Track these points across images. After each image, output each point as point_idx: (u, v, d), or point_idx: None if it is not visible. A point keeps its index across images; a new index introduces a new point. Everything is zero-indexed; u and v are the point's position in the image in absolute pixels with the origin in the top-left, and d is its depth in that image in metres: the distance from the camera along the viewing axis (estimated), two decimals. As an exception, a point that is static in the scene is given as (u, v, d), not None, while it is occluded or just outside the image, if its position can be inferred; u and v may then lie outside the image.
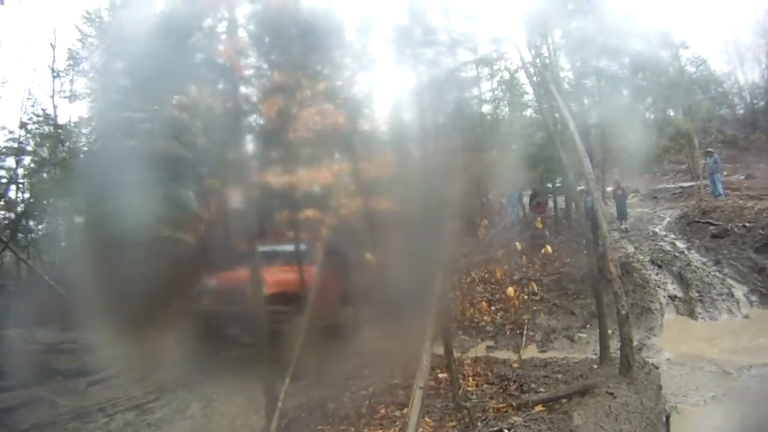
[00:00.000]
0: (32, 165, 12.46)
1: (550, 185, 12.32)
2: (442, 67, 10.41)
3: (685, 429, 5.64)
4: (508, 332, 8.75)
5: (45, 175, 11.56)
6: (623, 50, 11.84)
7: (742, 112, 18.83)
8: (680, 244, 11.50)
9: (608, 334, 7.39)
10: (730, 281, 9.77)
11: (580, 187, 8.53)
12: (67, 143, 10.24)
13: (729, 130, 17.50)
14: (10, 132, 12.33)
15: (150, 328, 8.17)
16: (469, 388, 6.58)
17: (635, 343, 7.06)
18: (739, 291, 9.47)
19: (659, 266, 10.63)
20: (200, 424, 6.77)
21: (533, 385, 6.64)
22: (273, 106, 7.31)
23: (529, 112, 12.09)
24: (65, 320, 10.08)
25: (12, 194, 12.64)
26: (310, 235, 7.91)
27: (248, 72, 7.97)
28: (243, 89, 7.75)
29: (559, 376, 7.04)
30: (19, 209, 12.59)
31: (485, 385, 6.76)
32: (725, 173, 14.79)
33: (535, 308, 8.90)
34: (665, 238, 11.89)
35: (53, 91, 10.77)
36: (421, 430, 4.67)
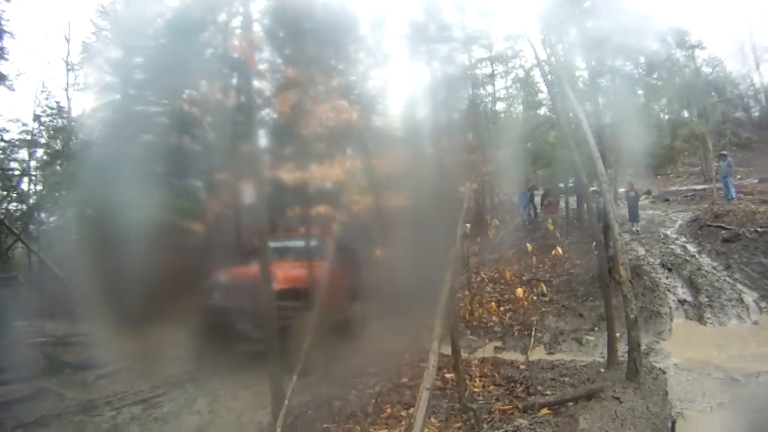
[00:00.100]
0: (45, 157, 12.61)
1: (562, 185, 12.22)
2: (456, 64, 10.36)
3: (690, 436, 5.57)
4: (516, 333, 8.72)
5: (58, 167, 11.67)
6: (638, 50, 11.72)
7: (757, 114, 18.59)
8: (691, 248, 11.39)
9: (616, 337, 7.35)
10: (740, 286, 9.68)
11: (593, 188, 8.46)
12: (80, 135, 10.30)
13: (743, 132, 17.27)
14: (24, 124, 12.47)
15: (159, 321, 8.21)
16: (476, 389, 6.56)
17: (643, 347, 7.01)
18: (749, 297, 9.37)
19: (669, 270, 10.54)
20: (207, 419, 6.76)
21: (540, 388, 6.61)
22: (286, 101, 7.30)
23: (543, 110, 12.00)
24: (74, 313, 10.16)
25: (24, 186, 12.82)
26: (321, 231, 7.92)
27: (262, 66, 7.97)
28: (256, 84, 7.74)
29: (566, 378, 6.99)
30: (31, 201, 12.74)
31: (492, 387, 6.73)
32: (738, 176, 14.64)
33: (543, 309, 8.87)
34: (676, 242, 11.78)
35: (67, 83, 10.88)
36: (426, 430, 4.64)
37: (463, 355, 6.31)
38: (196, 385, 7.56)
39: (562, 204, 13.02)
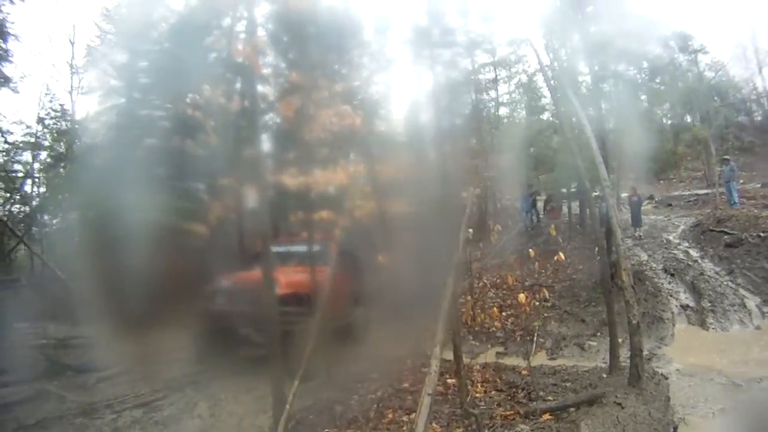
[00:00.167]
0: (49, 160, 12.65)
1: (564, 190, 12.20)
2: (459, 69, 10.37)
3: (692, 442, 5.55)
4: (518, 338, 8.69)
5: (61, 170, 11.70)
6: (641, 54, 11.71)
7: (759, 118, 18.53)
8: (694, 253, 11.35)
9: (618, 343, 7.33)
10: (742, 291, 9.63)
11: (595, 193, 8.45)
12: (84, 138, 10.35)
13: (746, 137, 17.22)
14: (28, 127, 12.52)
15: (160, 324, 8.21)
16: (478, 395, 6.53)
17: (645, 352, 7.00)
18: (752, 302, 9.32)
19: (672, 275, 10.51)
20: (208, 423, 6.74)
21: (542, 393, 6.60)
22: (290, 105, 7.31)
23: (546, 115, 12.01)
24: (76, 315, 10.18)
25: (27, 188, 12.87)
26: (324, 235, 7.93)
27: (266, 71, 8.00)
28: (260, 88, 7.77)
29: (568, 384, 6.97)
30: (34, 203, 12.78)
31: (493, 392, 6.71)
32: (741, 181, 14.58)
33: (546, 315, 8.85)
34: (679, 247, 11.74)
35: (71, 86, 10.94)
36: (428, 436, 4.62)
37: (465, 360, 6.31)
38: (197, 389, 7.55)
39: (565, 209, 12.99)
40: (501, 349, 8.71)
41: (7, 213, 12.46)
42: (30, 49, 13.46)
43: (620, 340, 7.36)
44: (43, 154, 12.92)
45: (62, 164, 11.87)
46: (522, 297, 6.75)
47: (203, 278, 8.06)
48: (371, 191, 7.50)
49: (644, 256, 11.31)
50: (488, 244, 8.35)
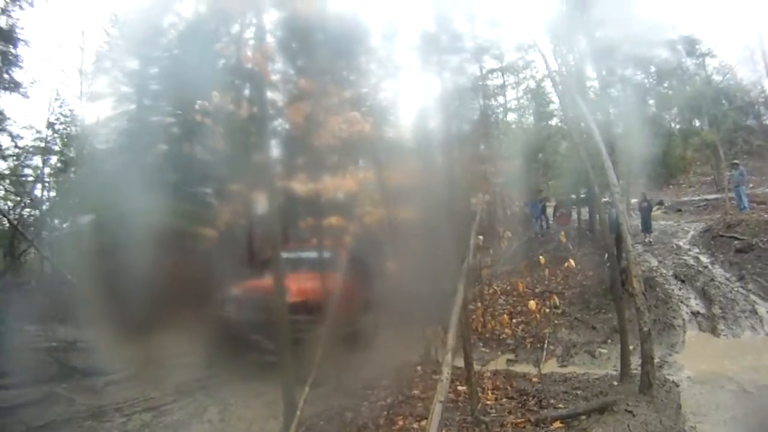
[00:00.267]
0: (58, 164, 12.75)
1: (574, 196, 12.15)
2: (467, 75, 10.37)
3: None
4: (528, 345, 8.67)
5: (71, 174, 11.79)
6: (649, 59, 11.66)
7: (768, 122, 18.37)
8: (704, 259, 11.26)
9: (629, 350, 7.29)
10: (753, 297, 9.52)
11: (604, 199, 8.42)
12: (94, 143, 10.43)
13: (755, 140, 17.08)
14: (38, 131, 12.63)
15: (170, 329, 8.23)
16: (488, 402, 6.52)
17: (656, 359, 6.96)
18: (763, 308, 9.20)
19: (682, 281, 10.42)
20: (217, 428, 6.77)
21: (552, 401, 6.58)
22: (299, 111, 7.34)
23: (554, 121, 11.96)
24: (85, 318, 10.21)
25: (38, 192, 12.97)
26: (333, 242, 7.93)
27: (274, 77, 8.02)
28: (269, 94, 7.80)
29: (579, 392, 6.95)
30: (44, 207, 12.88)
31: (504, 399, 6.70)
32: (751, 185, 14.45)
33: (556, 322, 8.79)
34: (689, 252, 11.65)
35: (81, 92, 11.03)
36: (439, 443, 4.59)
37: (476, 367, 6.29)
38: (206, 394, 7.56)
39: (574, 215, 12.95)
40: (511, 356, 8.68)
41: (17, 217, 12.56)
42: (40, 55, 13.58)
43: (631, 347, 7.31)
44: (53, 159, 13.05)
45: (72, 169, 11.97)
46: (532, 304, 6.73)
47: (212, 284, 8.09)
48: (380, 198, 7.49)
49: (654, 262, 11.23)
50: (498, 250, 8.32)
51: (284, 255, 7.04)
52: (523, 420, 5.98)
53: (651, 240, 12.33)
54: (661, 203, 14.43)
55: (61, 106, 12.72)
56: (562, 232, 8.66)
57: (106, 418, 7.00)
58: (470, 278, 6.16)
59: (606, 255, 8.22)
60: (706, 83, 14.93)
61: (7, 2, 10.39)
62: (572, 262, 7.57)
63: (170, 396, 7.54)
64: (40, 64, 12.83)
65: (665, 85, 12.50)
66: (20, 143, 12.25)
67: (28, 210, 12.82)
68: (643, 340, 6.66)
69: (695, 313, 9.48)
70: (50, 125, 12.68)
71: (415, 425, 6.07)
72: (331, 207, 7.66)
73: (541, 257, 7.36)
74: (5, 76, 10.87)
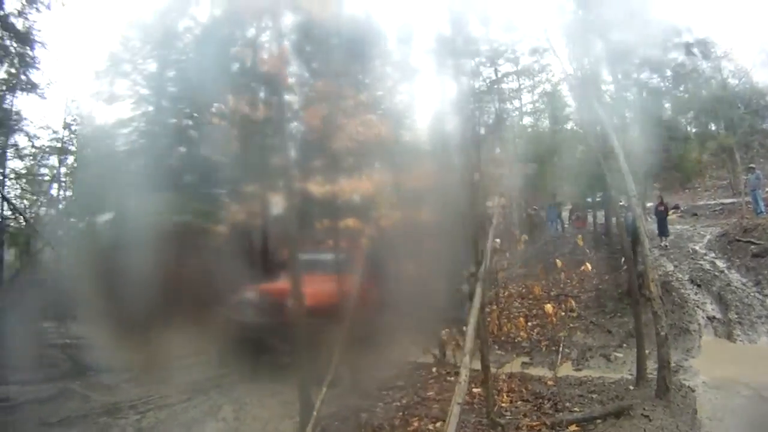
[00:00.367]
0: (75, 164, 12.87)
1: (589, 200, 12.08)
2: (483, 78, 10.35)
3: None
4: (543, 349, 8.63)
5: (86, 173, 11.89)
6: (664, 62, 11.57)
7: (784, 125, 18.11)
8: (720, 263, 11.13)
9: (645, 354, 7.23)
10: (770, 302, 9.42)
11: (621, 203, 8.37)
12: (109, 144, 10.54)
13: (772, 144, 16.86)
14: (54, 132, 12.77)
15: (184, 328, 8.27)
16: (504, 405, 6.50)
17: (672, 364, 6.89)
18: (779, 313, 9.11)
19: (698, 285, 10.31)
20: (232, 426, 6.79)
21: (568, 404, 6.58)
22: (316, 114, 7.37)
23: (570, 125, 11.91)
24: (98, 316, 10.29)
25: (54, 192, 13.11)
26: (349, 244, 7.96)
27: (291, 80, 8.06)
28: (286, 97, 7.84)
29: (594, 395, 6.93)
30: (60, 206, 13.00)
31: (519, 402, 6.68)
32: (767, 189, 14.29)
33: (571, 325, 8.75)
34: (705, 257, 11.52)
35: (96, 93, 11.13)
36: (455, 446, 4.58)
37: (491, 369, 6.27)
38: (221, 392, 7.59)
39: (590, 219, 12.85)
40: (526, 359, 8.64)
41: (33, 215, 12.70)
42: (56, 56, 13.74)
43: (647, 351, 7.28)
44: (70, 159, 13.18)
45: (87, 168, 12.07)
46: (549, 307, 6.74)
47: (226, 286, 8.12)
48: (396, 200, 7.50)
49: (670, 267, 11.10)
50: (514, 253, 8.29)
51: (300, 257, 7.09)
52: (538, 423, 5.98)
53: (667, 244, 12.21)
54: (676, 207, 14.29)
55: (78, 108, 12.89)
56: (579, 236, 8.58)
57: (121, 414, 7.05)
58: (487, 281, 6.13)
59: (623, 259, 8.18)
60: (722, 87, 14.78)
61: (23, 5, 10.55)
62: (589, 265, 7.53)
63: (185, 394, 7.56)
64: (56, 64, 12.99)
65: (681, 88, 12.39)
66: (37, 143, 12.40)
67: (44, 209, 12.97)
68: (660, 345, 6.63)
69: (711, 318, 9.39)
70: (66, 126, 12.83)
71: (431, 427, 6.07)
72: (347, 209, 7.67)
73: (557, 260, 7.31)
74: (22, 77, 11.03)
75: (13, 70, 10.94)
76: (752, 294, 9.76)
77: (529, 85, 12.43)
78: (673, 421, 5.93)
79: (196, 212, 8.87)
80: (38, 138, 12.32)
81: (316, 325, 6.86)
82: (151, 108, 9.34)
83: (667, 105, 12.03)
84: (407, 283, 7.73)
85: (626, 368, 7.98)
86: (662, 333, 6.66)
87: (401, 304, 7.24)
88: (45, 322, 10.29)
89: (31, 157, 12.75)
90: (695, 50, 13.37)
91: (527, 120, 12.87)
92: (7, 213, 11.75)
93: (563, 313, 6.96)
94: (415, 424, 6.18)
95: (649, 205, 12.87)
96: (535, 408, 6.49)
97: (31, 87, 11.12)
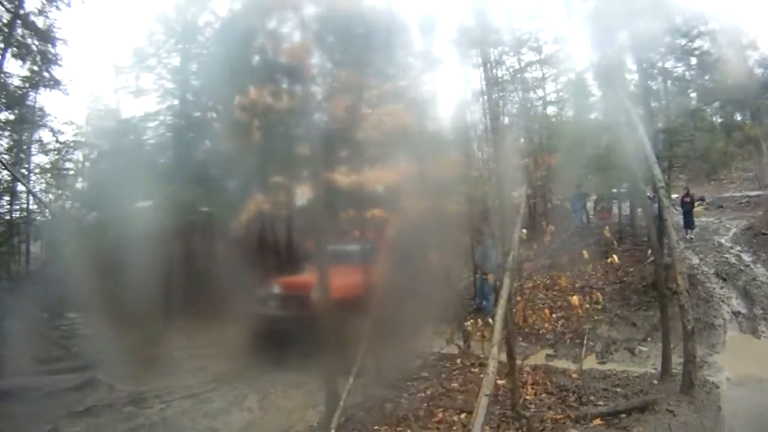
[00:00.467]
0: (94, 157, 13.05)
1: (615, 190, 11.91)
2: (506, 67, 10.24)
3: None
4: (568, 341, 8.56)
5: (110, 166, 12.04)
6: (690, 51, 11.29)
7: (810, 115, 17.61)
8: (746, 257, 10.90)
9: (671, 349, 7.13)
10: (796, 298, 9.21)
11: (648, 194, 8.24)
12: (132, 137, 10.69)
13: (799, 134, 16.42)
14: (78, 127, 12.96)
15: (212, 319, 8.37)
16: (528, 397, 6.47)
17: (697, 360, 6.76)
18: (806, 309, 8.92)
19: (724, 279, 10.12)
20: (257, 416, 6.85)
21: (592, 398, 6.52)
22: (340, 105, 7.37)
23: (595, 114, 11.71)
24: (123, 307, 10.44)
25: (79, 186, 13.33)
26: (374, 234, 7.97)
27: (313, 71, 8.06)
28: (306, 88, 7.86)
29: (619, 389, 6.88)
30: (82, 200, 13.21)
31: (544, 395, 6.65)
32: (793, 182, 13.95)
33: (596, 318, 8.66)
34: (731, 250, 11.29)
35: (118, 87, 11.27)
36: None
37: (517, 361, 6.24)
38: (246, 382, 7.64)
39: (615, 210, 12.70)
40: (550, 351, 8.57)
41: (59, 209, 12.93)
42: (78, 52, 13.93)
43: (671, 346, 7.16)
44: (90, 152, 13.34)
45: (109, 161, 12.22)
46: (575, 299, 6.66)
47: (251, 279, 8.20)
48: (422, 190, 7.47)
49: (696, 260, 10.92)
50: (540, 244, 8.20)
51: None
52: (563, 416, 5.96)
53: (692, 237, 12.00)
54: (702, 199, 14.02)
55: (97, 101, 13.04)
56: (606, 227, 8.45)
57: (146, 404, 7.15)
58: (514, 272, 6.10)
59: (649, 251, 8.05)
60: (748, 76, 14.40)
61: (43, 3, 10.72)
62: (615, 257, 7.43)
63: (209, 384, 7.65)
64: (78, 60, 13.16)
65: (707, 77, 12.09)
66: (61, 138, 12.60)
67: (69, 202, 13.20)
68: (687, 339, 6.54)
69: (736, 313, 9.23)
70: (89, 120, 13.00)
71: (455, 418, 6.07)
72: (372, 200, 7.67)
73: (584, 251, 7.22)
74: (45, 74, 11.22)
75: (35, 68, 11.16)
76: (779, 289, 9.57)
77: (553, 74, 12.28)
78: (697, 417, 5.86)
79: (218, 205, 8.97)
80: (62, 133, 12.54)
81: (340, 317, 6.91)
82: (176, 102, 9.48)
83: (692, 94, 11.78)
84: (431, 274, 7.75)
85: (650, 362, 7.91)
86: (689, 327, 6.56)
87: (425, 295, 7.26)
88: (68, 313, 10.48)
89: (56, 152, 12.98)
90: (721, 39, 13.05)
91: (551, 110, 12.74)
92: (33, 207, 12.02)
93: (588, 306, 6.89)
94: (440, 415, 6.19)
95: (674, 196, 12.64)
96: (560, 401, 6.45)
97: (54, 83, 11.32)
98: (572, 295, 6.86)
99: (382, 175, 7.35)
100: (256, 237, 9.01)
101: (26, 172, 11.85)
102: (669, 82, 11.26)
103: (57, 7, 10.88)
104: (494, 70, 10.26)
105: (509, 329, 5.58)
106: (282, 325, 7.74)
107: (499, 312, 5.13)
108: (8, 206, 11.53)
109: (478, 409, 4.55)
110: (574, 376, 7.13)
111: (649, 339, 8.53)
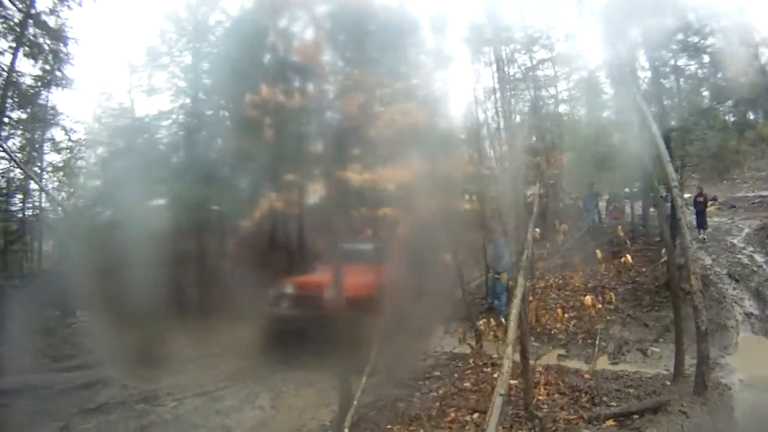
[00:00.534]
0: (108, 155, 13.12)
1: (627, 190, 11.85)
2: (518, 65, 10.21)
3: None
4: (580, 341, 8.51)
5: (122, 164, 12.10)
6: (701, 48, 11.19)
7: (827, 114, 17.39)
8: (759, 258, 10.78)
9: (684, 350, 7.08)
10: (809, 300, 9.10)
11: (661, 194, 8.19)
12: (146, 135, 10.76)
13: (812, 134, 16.22)
14: (90, 125, 13.02)
15: (224, 318, 8.41)
16: (541, 397, 6.45)
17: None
18: (819, 311, 8.81)
19: (736, 280, 10.01)
20: (269, 414, 6.89)
21: (605, 398, 6.49)
22: (352, 103, 7.38)
23: (607, 113, 11.64)
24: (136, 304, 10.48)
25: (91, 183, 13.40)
26: (386, 233, 7.98)
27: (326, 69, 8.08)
28: (322, 86, 7.89)
29: (631, 390, 6.83)
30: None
31: (556, 395, 6.63)
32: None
33: (608, 318, 8.62)
34: (743, 251, 11.18)
35: (130, 86, 11.34)
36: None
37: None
38: (258, 381, 7.65)
39: (627, 209, 12.61)
40: (562, 351, 8.53)
41: (71, 206, 13.01)
42: (90, 50, 13.97)
43: (684, 346, 7.11)
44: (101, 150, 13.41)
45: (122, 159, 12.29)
46: (588, 299, 6.63)
47: (266, 276, 8.22)
48: (433, 189, 7.46)
49: (708, 260, 10.81)
50: (553, 244, 8.16)
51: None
52: (575, 417, 5.95)
53: (705, 237, 11.90)
54: (714, 199, 13.88)
55: (108, 100, 13.11)
56: (620, 226, 8.40)
57: (158, 402, 7.17)
58: (528, 271, 6.09)
59: (663, 250, 7.99)
60: (761, 74, 14.23)
61: (55, 3, 10.80)
62: (629, 257, 7.39)
63: (222, 382, 7.67)
64: (90, 59, 13.22)
65: (719, 75, 11.97)
66: (73, 137, 12.67)
67: (81, 200, 13.28)
68: (700, 340, 6.49)
69: (749, 315, 9.14)
70: (99, 119, 13.07)
71: (468, 418, 6.07)
72: (384, 198, 7.68)
73: (597, 251, 7.19)
74: (57, 73, 11.30)
75: (47, 67, 11.24)
76: (791, 290, 9.46)
77: (564, 72, 12.20)
78: (710, 418, 5.84)
79: (229, 203, 9.00)
80: (75, 132, 12.62)
81: (353, 316, 6.92)
82: (188, 100, 9.53)
83: (705, 93, 11.66)
84: (442, 273, 7.75)
85: (662, 363, 7.83)
86: (702, 328, 6.50)
87: (437, 294, 7.26)
88: (80, 311, 10.54)
89: (68, 151, 13.06)
90: (734, 37, 12.90)
91: (563, 108, 12.68)
92: (46, 205, 12.12)
93: (600, 306, 6.86)
94: (452, 414, 6.18)
95: (687, 196, 12.52)
96: (572, 401, 6.43)
97: (66, 82, 11.41)
98: (585, 295, 6.81)
99: (394, 173, 7.35)
100: (268, 236, 9.04)
101: (39, 171, 11.94)
102: (681, 80, 11.16)
103: (68, 7, 10.95)
104: (506, 68, 10.22)
105: (523, 329, 5.56)
106: (295, 324, 7.77)
107: (514, 311, 5.11)
108: (21, 204, 11.64)
109: (492, 409, 4.53)
110: (587, 376, 7.12)
111: (661, 340, 8.45)
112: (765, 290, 9.52)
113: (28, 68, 10.86)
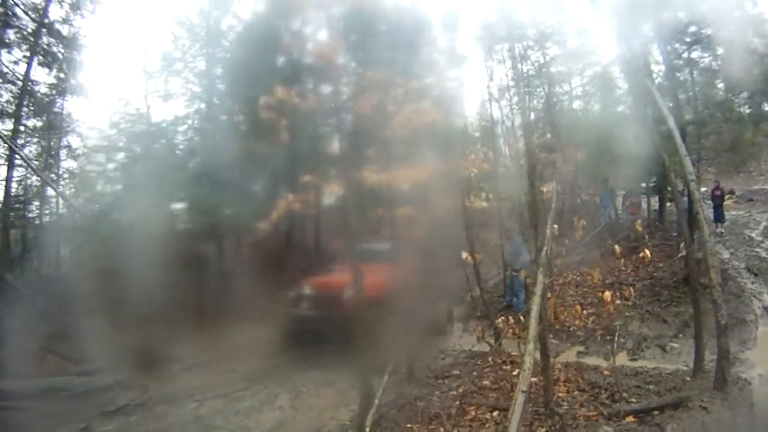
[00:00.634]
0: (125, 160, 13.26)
1: (643, 185, 11.77)
2: (531, 62, 10.18)
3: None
4: (599, 338, 8.45)
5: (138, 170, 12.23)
6: (716, 40, 11.07)
7: (841, 105, 17.08)
8: (777, 252, 10.68)
9: (704, 345, 7.03)
10: (829, 293, 8.99)
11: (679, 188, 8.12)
12: (163, 140, 10.88)
13: (830, 125, 15.94)
14: (106, 131, 13.17)
15: (243, 319, 8.47)
16: (560, 394, 6.44)
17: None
18: (838, 305, 8.69)
19: (755, 274, 9.90)
20: (288, 414, 6.91)
21: (624, 395, 6.45)
22: (367, 103, 7.42)
23: (622, 108, 11.54)
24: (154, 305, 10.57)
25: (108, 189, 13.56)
26: (403, 233, 8.01)
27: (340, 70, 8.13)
28: (336, 87, 7.93)
29: (651, 386, 6.80)
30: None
31: (576, 392, 6.62)
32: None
33: (627, 314, 8.56)
34: (762, 244, 11.06)
35: (146, 91, 11.46)
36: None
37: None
38: (277, 381, 7.71)
39: (644, 205, 12.54)
40: (581, 348, 8.52)
41: (88, 212, 13.17)
42: (104, 58, 14.13)
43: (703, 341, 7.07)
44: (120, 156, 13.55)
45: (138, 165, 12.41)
46: (608, 295, 6.59)
47: (283, 277, 8.29)
48: (449, 187, 7.48)
49: (726, 254, 10.70)
50: (571, 240, 8.13)
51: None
52: (595, 413, 5.93)
53: (722, 230, 11.77)
54: (731, 192, 13.72)
55: (125, 106, 13.24)
56: (638, 221, 8.36)
57: (178, 404, 7.21)
58: (547, 268, 6.07)
59: (682, 245, 7.93)
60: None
61: (67, 12, 10.95)
62: (648, 252, 7.35)
63: (241, 383, 7.69)
64: (104, 66, 13.37)
65: (733, 67, 11.80)
66: (89, 143, 12.82)
67: (97, 206, 13.44)
68: (720, 335, 6.45)
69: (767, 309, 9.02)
70: (115, 124, 13.22)
71: (488, 416, 6.08)
72: (400, 197, 7.71)
73: (616, 247, 7.17)
74: (72, 81, 11.45)
75: (62, 75, 11.40)
76: (810, 284, 9.34)
77: (578, 68, 12.13)
78: (731, 414, 5.80)
79: (246, 207, 9.07)
80: (90, 138, 12.77)
81: (372, 315, 6.96)
82: (203, 105, 9.63)
83: (720, 85, 11.52)
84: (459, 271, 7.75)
85: (681, 359, 7.79)
86: (722, 322, 6.47)
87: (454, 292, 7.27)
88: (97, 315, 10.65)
89: (84, 157, 13.22)
90: (748, 28, 12.73)
91: (577, 104, 12.60)
92: (63, 211, 12.28)
93: (619, 302, 6.82)
94: (472, 413, 6.20)
95: (703, 189, 12.38)
96: (592, 398, 6.41)
97: (81, 90, 11.56)
98: (603, 291, 6.77)
99: (410, 173, 7.37)
100: (285, 237, 9.11)
101: (55, 177, 12.11)
102: (695, 72, 11.04)
103: (81, 15, 11.14)
104: (520, 65, 10.19)
105: (543, 325, 5.56)
106: (314, 325, 7.82)
107: (534, 308, 5.12)
108: (38, 211, 11.82)
109: (514, 407, 4.54)
110: (606, 373, 7.08)
111: (681, 335, 8.41)
112: (783, 284, 9.42)
113: (42, 77, 11.08)
